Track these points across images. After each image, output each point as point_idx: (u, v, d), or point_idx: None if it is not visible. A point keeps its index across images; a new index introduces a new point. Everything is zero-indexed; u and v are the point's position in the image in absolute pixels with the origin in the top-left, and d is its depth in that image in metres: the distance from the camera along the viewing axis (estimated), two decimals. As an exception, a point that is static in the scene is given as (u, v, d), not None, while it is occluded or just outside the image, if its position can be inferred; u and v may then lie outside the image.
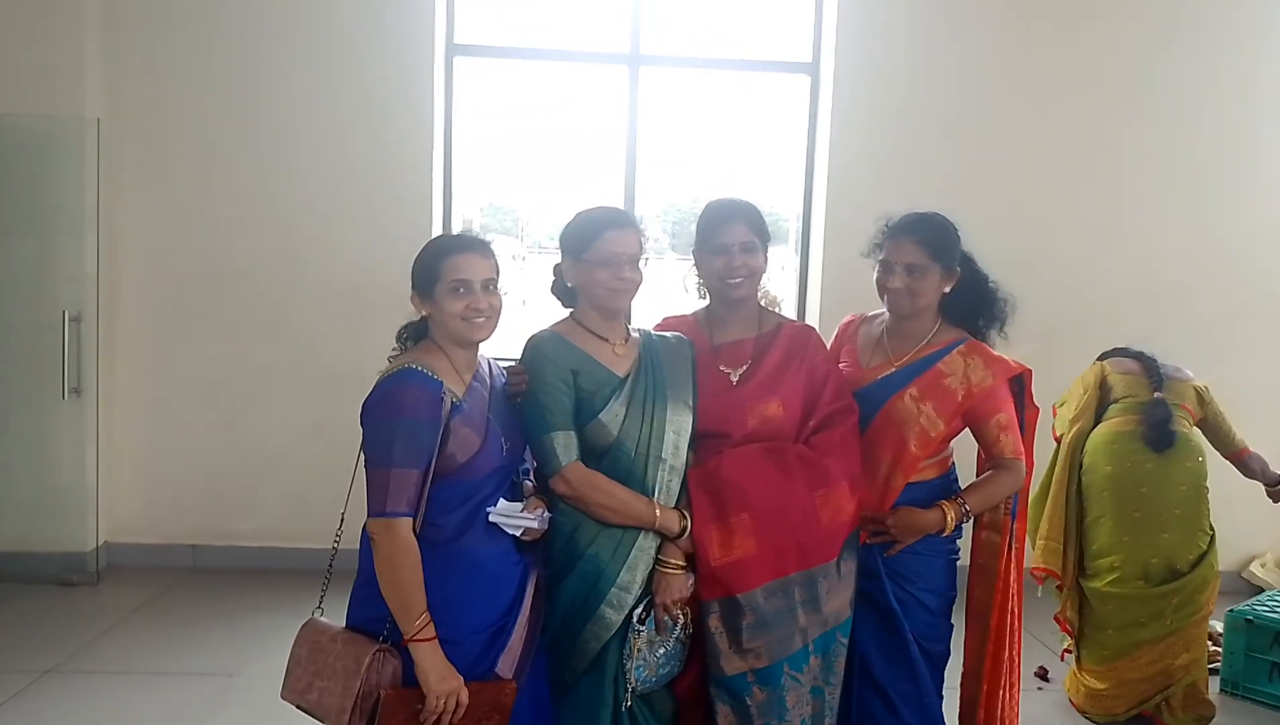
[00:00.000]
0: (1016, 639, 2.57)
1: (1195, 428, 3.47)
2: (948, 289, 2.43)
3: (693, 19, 5.07)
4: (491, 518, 1.99)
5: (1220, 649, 3.84)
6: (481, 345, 2.09)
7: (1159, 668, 3.34)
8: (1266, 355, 4.91)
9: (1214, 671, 3.76)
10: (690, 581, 2.19)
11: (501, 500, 2.02)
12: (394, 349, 2.12)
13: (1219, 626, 4.01)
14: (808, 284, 4.99)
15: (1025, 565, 2.62)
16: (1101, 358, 3.65)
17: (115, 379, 4.66)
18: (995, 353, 2.43)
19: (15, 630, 3.89)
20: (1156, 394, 3.39)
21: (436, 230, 4.75)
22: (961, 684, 2.54)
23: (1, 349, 4.44)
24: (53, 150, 4.38)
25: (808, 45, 4.91)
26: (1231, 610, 3.76)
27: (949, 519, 2.34)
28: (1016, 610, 2.54)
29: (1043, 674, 3.74)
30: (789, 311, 4.68)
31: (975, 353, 2.40)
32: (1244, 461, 3.52)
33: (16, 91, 4.35)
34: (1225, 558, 4.62)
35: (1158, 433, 3.31)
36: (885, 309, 2.50)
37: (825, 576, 2.25)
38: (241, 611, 4.17)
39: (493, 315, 2.03)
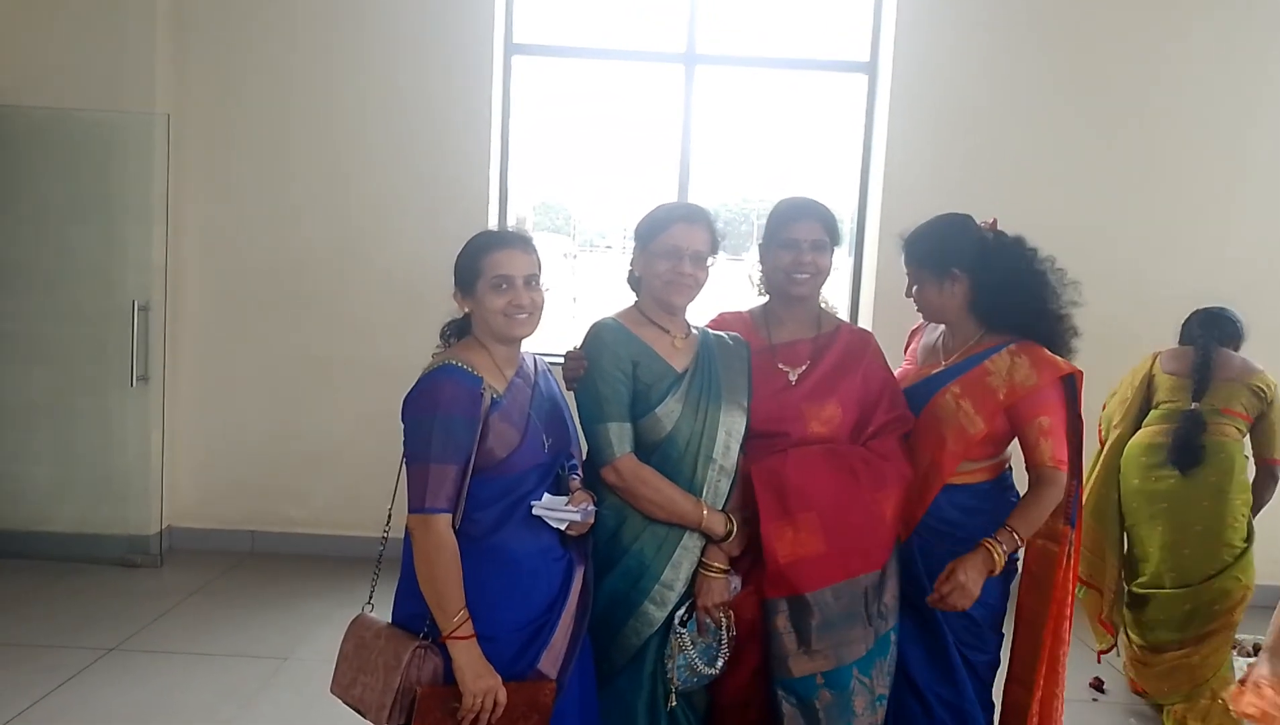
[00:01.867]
0: (1067, 648, 2.52)
1: (1239, 434, 3.33)
2: (959, 291, 2.39)
3: (749, 18, 5.04)
4: (535, 511, 1.99)
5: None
6: (526, 342, 2.10)
7: (1183, 673, 3.31)
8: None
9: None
10: (733, 585, 2.19)
11: (546, 494, 2.02)
12: (438, 346, 2.14)
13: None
14: (860, 287, 4.94)
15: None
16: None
17: (179, 367, 4.79)
18: (1046, 353, 2.35)
19: (80, 609, 4.03)
20: (1194, 405, 3.31)
21: (491, 226, 4.80)
22: (1005, 691, 2.49)
23: (72, 336, 4.60)
24: (123, 144, 4.52)
25: (865, 44, 4.87)
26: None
27: (996, 558, 2.22)
28: (1069, 619, 2.49)
29: (1098, 685, 3.67)
30: (842, 314, 4.64)
31: (1024, 352, 2.34)
32: (1271, 470, 3.34)
33: (89, 87, 4.49)
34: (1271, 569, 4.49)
35: (1181, 452, 3.28)
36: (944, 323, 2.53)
37: (885, 578, 2.26)
38: (295, 597, 4.27)
39: (534, 311, 2.03)
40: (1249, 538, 3.29)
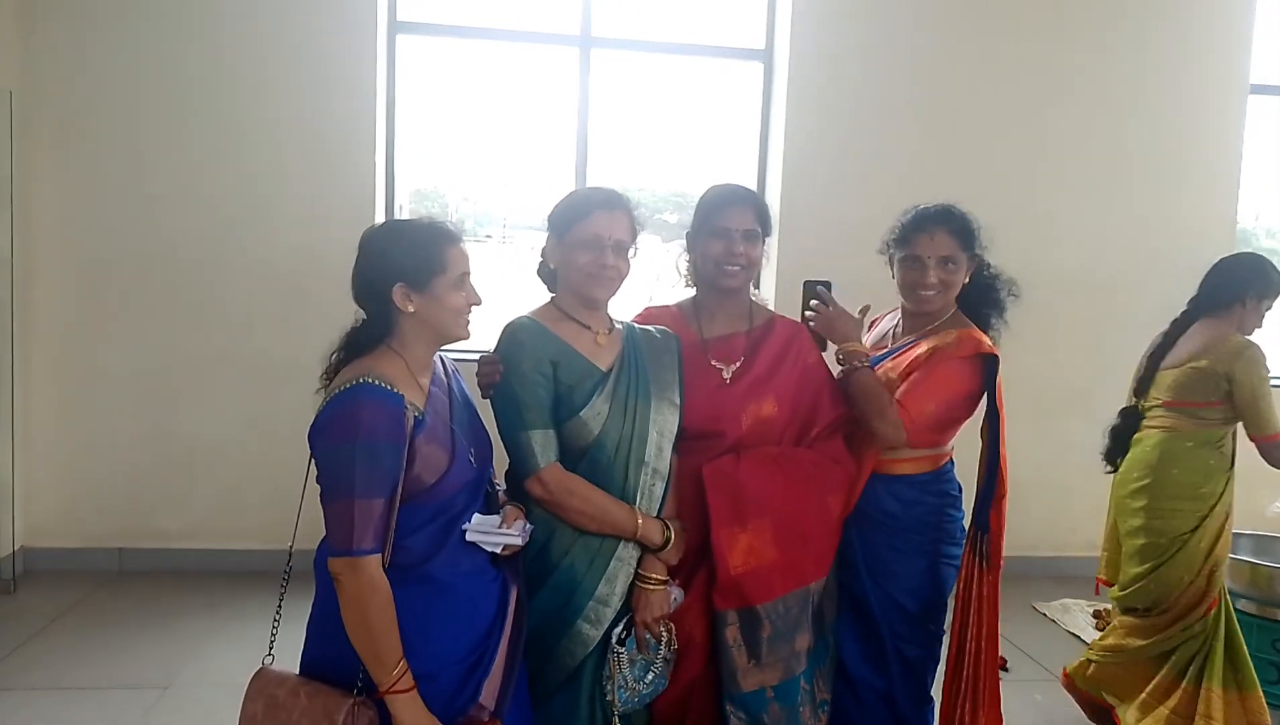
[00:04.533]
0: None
1: (1197, 424, 2.97)
2: (968, 278, 2.38)
3: (646, 2, 4.94)
4: (469, 536, 1.81)
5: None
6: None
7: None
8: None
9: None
10: (674, 596, 2.09)
11: (476, 514, 1.85)
12: (335, 353, 1.83)
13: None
14: (760, 275, 4.92)
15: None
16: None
17: (32, 369, 4.36)
18: (976, 333, 2.33)
19: (-77, 643, 3.61)
20: (1134, 400, 3.16)
21: (378, 214, 4.54)
22: (954, 690, 2.43)
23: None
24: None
25: (761, 31, 4.85)
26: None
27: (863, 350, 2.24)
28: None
29: (1002, 664, 3.72)
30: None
31: (958, 328, 2.34)
32: (1267, 447, 2.90)
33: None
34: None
35: (1108, 452, 3.18)
36: (906, 306, 2.42)
37: (829, 581, 2.21)
38: (172, 617, 3.93)
39: (476, 310, 1.87)
40: (1195, 531, 2.94)
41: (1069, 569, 4.79)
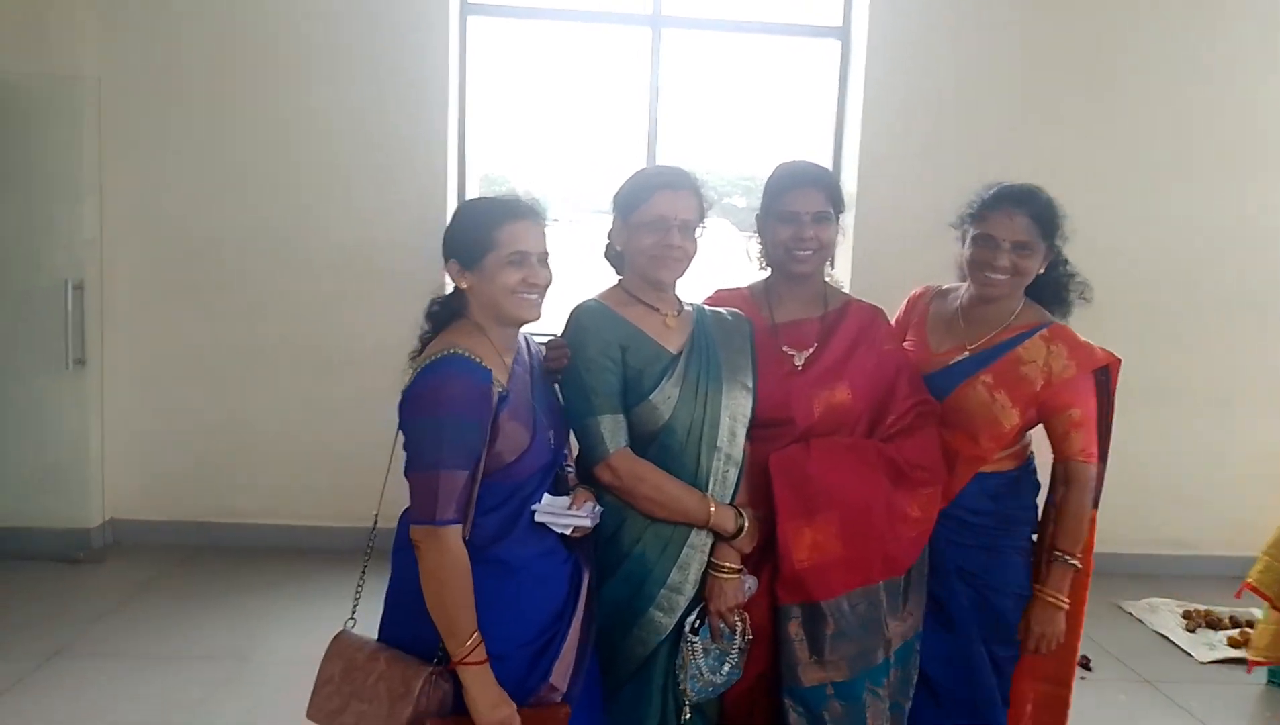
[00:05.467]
0: None
1: None
2: (1042, 270, 2.25)
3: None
4: (538, 517, 1.80)
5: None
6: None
7: None
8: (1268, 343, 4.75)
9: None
10: (747, 585, 2.04)
11: (546, 495, 1.84)
12: (423, 327, 1.89)
13: (1259, 613, 3.88)
14: (834, 258, 4.81)
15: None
16: None
17: (117, 350, 4.49)
18: (1082, 340, 2.24)
19: (18, 609, 3.76)
20: None
21: (449, 201, 4.56)
22: (1033, 691, 2.36)
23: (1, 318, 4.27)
24: (49, 111, 4.18)
25: (839, 8, 4.71)
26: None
27: (1060, 601, 2.21)
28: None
29: (1085, 663, 3.60)
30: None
31: (1059, 339, 2.22)
32: None
33: (9, 49, 4.14)
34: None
35: None
36: (970, 286, 2.29)
37: (908, 584, 2.13)
38: (248, 593, 4.03)
39: (544, 292, 1.84)
40: None
41: (1154, 567, 4.61)
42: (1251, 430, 4.72)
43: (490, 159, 5.10)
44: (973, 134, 4.51)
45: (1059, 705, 2.33)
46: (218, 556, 4.42)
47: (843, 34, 4.72)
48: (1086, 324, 2.35)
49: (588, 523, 1.86)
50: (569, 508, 1.84)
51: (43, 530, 4.32)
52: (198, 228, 4.46)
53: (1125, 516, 4.53)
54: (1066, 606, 2.19)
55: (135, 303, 4.49)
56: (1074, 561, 2.20)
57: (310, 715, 1.79)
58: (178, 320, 4.50)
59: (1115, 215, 4.55)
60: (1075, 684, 3.39)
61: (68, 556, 4.28)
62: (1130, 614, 4.17)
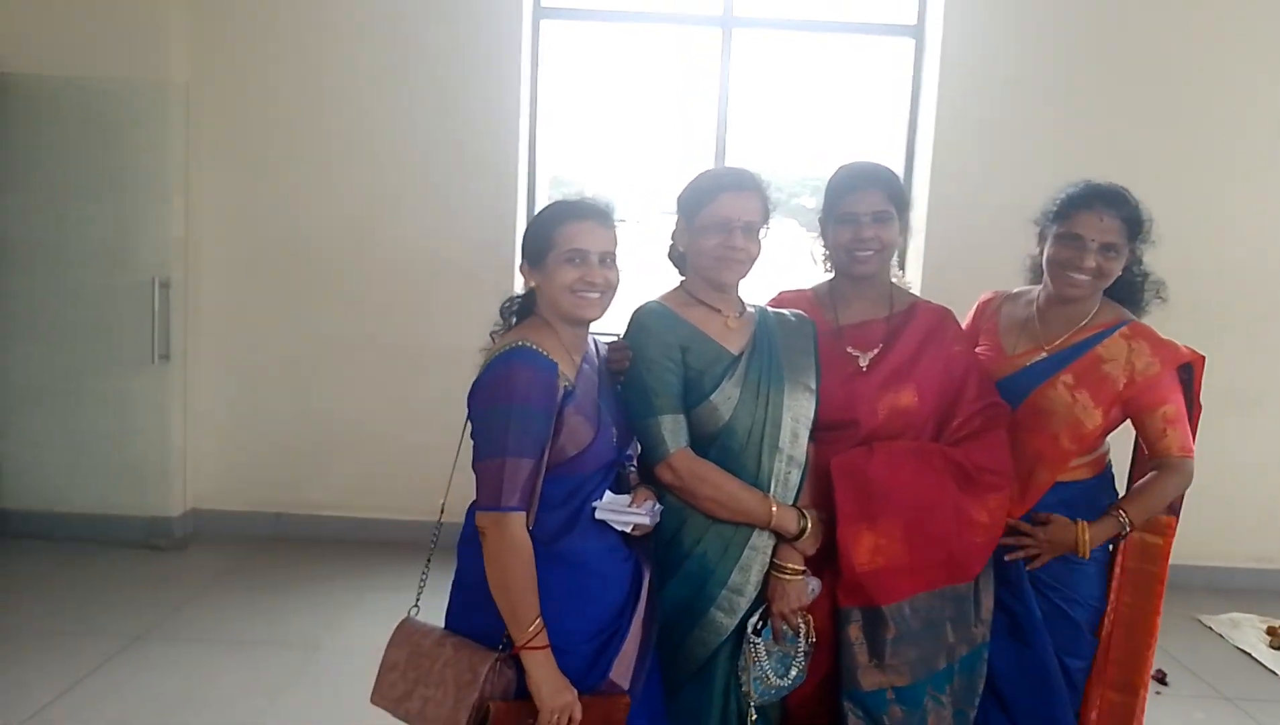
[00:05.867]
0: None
1: None
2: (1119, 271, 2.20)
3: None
4: (598, 514, 1.83)
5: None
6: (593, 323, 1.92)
7: None
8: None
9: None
10: (811, 587, 2.02)
11: (607, 493, 1.86)
12: (497, 324, 1.95)
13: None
14: (906, 260, 4.75)
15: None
16: None
17: (201, 346, 4.65)
18: (1163, 337, 2.19)
19: (104, 594, 3.93)
20: None
21: (520, 201, 4.63)
22: (1100, 699, 2.29)
23: (88, 315, 4.46)
24: (138, 114, 4.36)
25: (912, 7, 4.65)
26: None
27: (1100, 537, 2.14)
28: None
29: (1160, 677, 3.51)
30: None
31: (1140, 337, 2.17)
32: None
33: (102, 55, 4.32)
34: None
35: None
36: (1043, 287, 2.25)
37: (974, 591, 2.09)
38: (322, 582, 4.15)
39: (608, 291, 1.86)
40: None
41: (1236, 581, 4.45)
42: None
43: (562, 161, 5.15)
44: (1049, 133, 4.41)
45: (1125, 715, 2.27)
46: (294, 547, 4.56)
47: (916, 32, 4.66)
48: (1164, 327, 2.28)
49: (646, 521, 1.87)
50: (629, 506, 1.87)
51: (128, 518, 4.51)
52: (280, 228, 4.60)
53: (1208, 528, 4.38)
54: (1086, 546, 2.12)
55: (219, 300, 4.65)
56: (1125, 521, 2.14)
57: (375, 700, 1.83)
58: (260, 317, 4.65)
59: (1199, 214, 4.39)
60: (1151, 699, 3.34)
61: (151, 544, 4.45)
62: (1210, 629, 4.03)
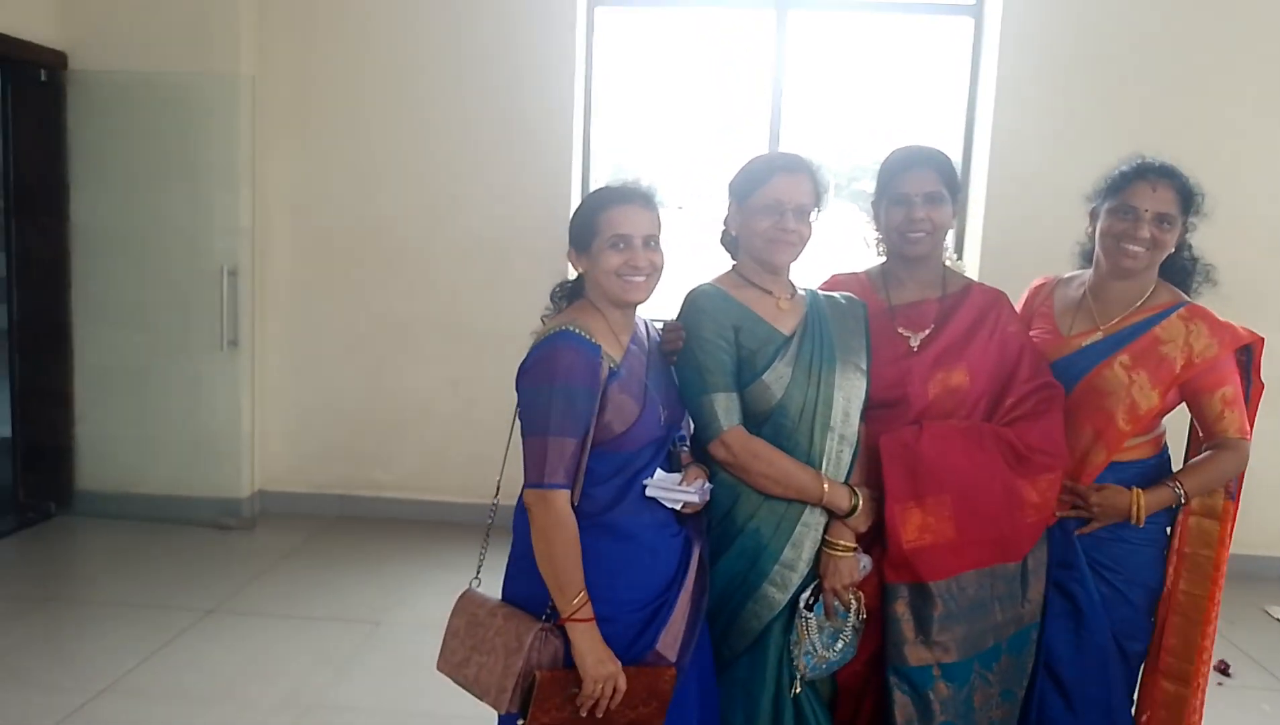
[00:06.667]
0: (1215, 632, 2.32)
1: None
2: (1172, 249, 2.18)
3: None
4: (649, 491, 1.87)
5: None
6: (640, 305, 1.96)
7: None
8: None
9: None
10: (862, 564, 2.04)
11: (659, 471, 1.90)
12: (547, 308, 2.01)
13: None
14: (964, 244, 4.69)
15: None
16: None
17: (268, 332, 4.80)
18: (1221, 319, 2.16)
19: (178, 570, 4.09)
20: None
21: (575, 186, 4.67)
22: (1154, 687, 2.29)
23: (162, 301, 4.62)
24: (208, 107, 4.49)
25: (971, -15, 4.59)
26: None
27: (1170, 499, 2.13)
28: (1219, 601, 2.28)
29: (1223, 668, 3.44)
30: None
31: (1198, 318, 2.14)
32: None
33: (174, 49, 4.47)
34: None
35: None
36: (1106, 265, 2.22)
37: (1028, 571, 2.09)
38: (384, 561, 4.26)
39: (653, 273, 1.89)
40: None
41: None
42: None
43: (619, 146, 5.19)
44: (1110, 113, 4.31)
45: (1181, 705, 2.25)
46: (358, 526, 4.69)
47: (976, 11, 4.59)
48: (1229, 308, 2.25)
49: (696, 498, 1.91)
50: (680, 484, 1.90)
51: (199, 499, 4.67)
52: (344, 216, 4.71)
53: (1274, 519, 4.29)
54: (1141, 511, 2.10)
55: (285, 287, 4.79)
56: (1181, 493, 2.13)
57: (439, 667, 1.92)
58: (324, 304, 4.78)
59: (1262, 197, 4.27)
60: (1213, 690, 3.28)
61: (220, 523, 4.61)
62: (1276, 620, 3.93)
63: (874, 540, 2.08)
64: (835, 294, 2.17)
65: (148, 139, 4.52)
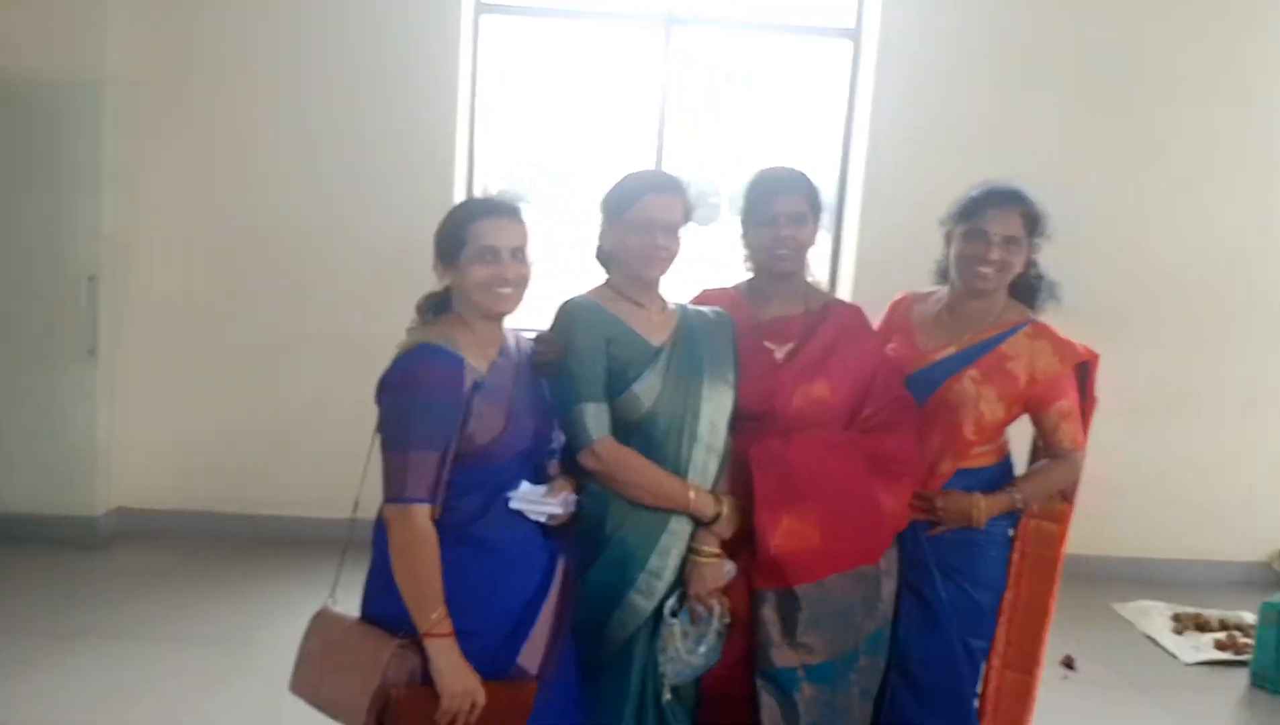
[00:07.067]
0: None
1: None
2: (1022, 268, 2.33)
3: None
4: (513, 504, 1.88)
5: (1250, 641, 3.76)
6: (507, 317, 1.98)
7: None
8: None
9: (1243, 664, 3.70)
10: (727, 569, 2.10)
11: (525, 484, 1.92)
12: (413, 321, 2.00)
13: (1249, 618, 3.93)
14: (840, 259, 4.85)
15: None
16: None
17: (133, 342, 4.56)
18: (1063, 337, 2.32)
19: (31, 592, 3.86)
20: None
21: (459, 195, 4.63)
22: (999, 677, 2.42)
23: (20, 309, 4.37)
24: (73, 110, 4.28)
25: (852, 9, 4.73)
26: (1265, 603, 3.66)
27: (1011, 504, 2.28)
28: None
29: (1069, 663, 3.63)
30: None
31: (1043, 336, 2.30)
32: None
33: (35, 49, 4.23)
34: (1255, 547, 4.49)
35: None
36: (959, 285, 2.35)
37: (882, 574, 2.19)
38: (253, 579, 4.11)
39: (520, 285, 1.91)
40: None
41: (1152, 572, 4.60)
42: (1269, 436, 4.71)
43: (505, 158, 5.17)
44: (984, 134, 4.50)
45: (1023, 692, 2.41)
46: (221, 545, 4.50)
47: (854, 34, 4.72)
48: (1095, 325, 2.44)
49: (560, 511, 1.93)
50: (546, 497, 1.92)
51: (53, 517, 4.41)
52: (223, 224, 4.54)
53: (1127, 520, 4.56)
54: (982, 513, 2.24)
55: (156, 296, 4.57)
56: (1018, 498, 2.28)
57: (294, 689, 1.88)
58: (199, 313, 4.58)
59: (1132, 215, 4.55)
60: (1060, 683, 3.50)
61: (76, 542, 4.36)
62: (1121, 616, 4.19)
63: (741, 548, 2.14)
64: (705, 308, 2.26)
65: (6, 143, 4.28)
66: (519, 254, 1.90)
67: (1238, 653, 3.78)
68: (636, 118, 4.81)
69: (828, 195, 4.86)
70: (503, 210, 1.91)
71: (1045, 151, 4.49)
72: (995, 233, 2.25)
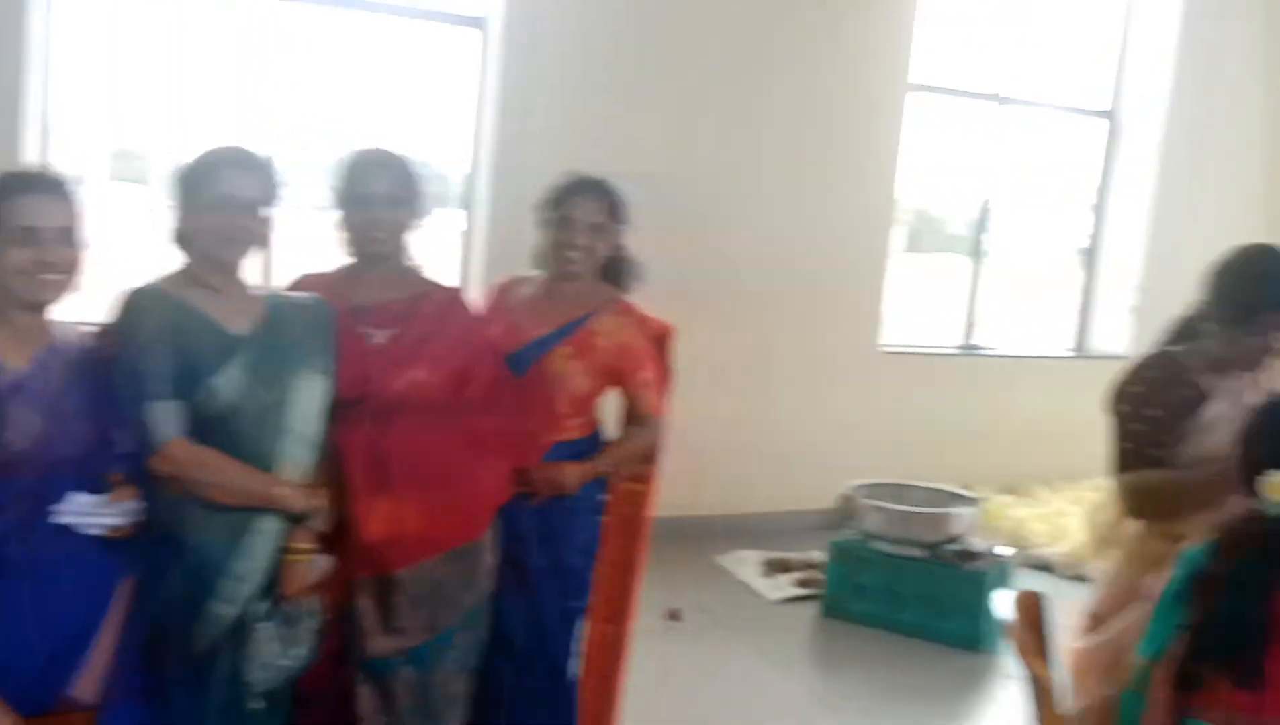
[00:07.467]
0: None
1: None
2: (610, 252, 2.52)
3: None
4: (64, 518, 1.72)
5: (824, 577, 4.34)
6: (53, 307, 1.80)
7: None
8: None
9: (818, 598, 4.28)
10: (320, 565, 2.06)
11: (78, 495, 1.75)
12: None
13: (821, 557, 4.51)
14: (472, 246, 4.92)
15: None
16: None
17: None
18: (644, 313, 2.55)
19: None
20: None
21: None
22: (593, 632, 2.62)
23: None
24: None
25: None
26: (832, 541, 4.28)
27: (585, 476, 2.45)
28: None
29: (675, 615, 3.96)
30: (453, 276, 4.63)
31: (626, 313, 2.51)
32: None
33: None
34: (827, 494, 5.15)
35: None
36: (551, 270, 2.51)
37: (480, 550, 2.27)
38: None
39: (69, 270, 1.75)
40: None
41: (745, 525, 5.10)
42: (832, 398, 5.42)
43: (127, 135, 4.65)
44: (613, 123, 4.71)
45: (615, 642, 2.63)
46: None
47: (481, 23, 4.75)
48: (683, 304, 2.73)
49: (118, 521, 1.80)
50: (102, 506, 1.78)
51: None
52: None
53: (719, 480, 5.01)
54: (572, 478, 2.41)
55: None
56: (605, 463, 2.49)
57: None
58: None
59: (722, 208, 5.01)
60: (665, 633, 3.83)
61: None
62: (722, 567, 4.69)
63: (338, 540, 2.12)
64: (299, 295, 2.18)
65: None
66: (66, 236, 1.74)
67: (816, 588, 4.37)
68: (249, 98, 4.51)
69: (460, 185, 4.92)
70: (44, 186, 1.73)
71: (659, 145, 4.79)
72: (580, 220, 2.44)
